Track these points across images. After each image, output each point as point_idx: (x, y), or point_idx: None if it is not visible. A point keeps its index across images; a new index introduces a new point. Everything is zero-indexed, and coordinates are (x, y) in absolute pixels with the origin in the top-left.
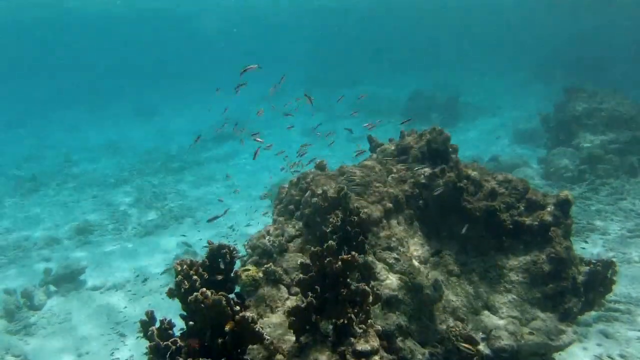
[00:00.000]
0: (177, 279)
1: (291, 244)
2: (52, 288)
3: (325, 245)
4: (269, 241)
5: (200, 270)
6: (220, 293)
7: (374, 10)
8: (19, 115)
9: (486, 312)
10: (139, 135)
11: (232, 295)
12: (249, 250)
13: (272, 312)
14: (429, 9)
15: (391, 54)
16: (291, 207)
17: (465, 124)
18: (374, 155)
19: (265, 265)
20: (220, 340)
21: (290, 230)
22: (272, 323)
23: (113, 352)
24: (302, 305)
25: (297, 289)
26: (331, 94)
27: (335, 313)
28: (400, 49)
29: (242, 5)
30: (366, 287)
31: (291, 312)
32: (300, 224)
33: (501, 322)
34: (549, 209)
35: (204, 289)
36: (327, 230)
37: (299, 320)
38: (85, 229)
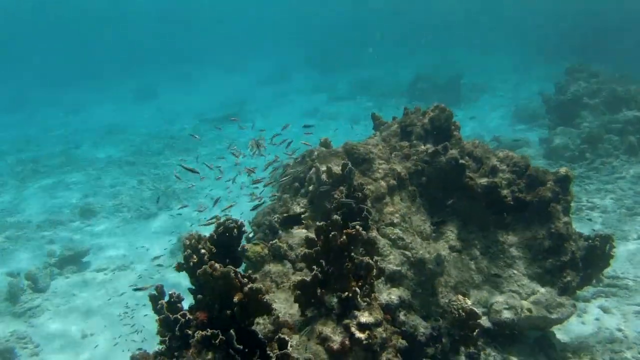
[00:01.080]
0: (185, 252)
1: None
2: (56, 270)
3: (330, 219)
4: (274, 218)
5: (208, 244)
6: (227, 266)
7: None
8: (18, 97)
9: (487, 287)
10: (140, 117)
11: (240, 269)
12: (254, 227)
13: (278, 287)
14: None
15: (394, 35)
16: (296, 184)
17: (467, 104)
18: (378, 133)
19: (271, 242)
20: (228, 312)
21: (295, 207)
22: (278, 298)
23: (119, 335)
24: (307, 279)
25: (302, 265)
26: (332, 75)
27: (339, 286)
28: (402, 30)
29: None
30: (370, 261)
31: (296, 286)
32: (305, 200)
33: (501, 297)
34: (548, 185)
35: (213, 262)
36: (332, 207)
37: (304, 294)
38: (88, 210)
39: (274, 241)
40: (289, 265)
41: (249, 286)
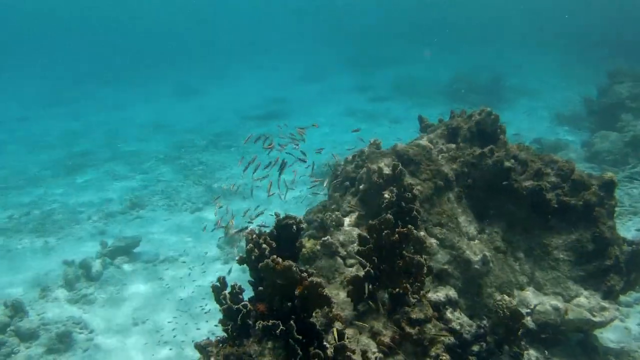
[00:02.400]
0: (247, 247)
1: (347, 219)
2: (108, 260)
3: (383, 218)
4: (326, 216)
5: (269, 239)
6: (287, 260)
7: None
8: (64, 92)
9: (531, 288)
10: (183, 114)
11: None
12: (305, 224)
13: (329, 282)
14: None
15: (432, 35)
16: (347, 183)
17: (507, 105)
18: (425, 135)
19: (323, 238)
20: (289, 304)
21: (346, 205)
22: (330, 293)
23: (169, 321)
24: (360, 275)
25: (352, 261)
26: (372, 74)
27: (391, 283)
28: (441, 30)
29: None
30: (421, 259)
31: (350, 282)
32: (356, 199)
33: (545, 298)
34: (593, 189)
35: (275, 256)
36: (382, 206)
37: (356, 289)
38: (137, 204)
39: (325, 238)
40: (340, 261)
41: (309, 279)
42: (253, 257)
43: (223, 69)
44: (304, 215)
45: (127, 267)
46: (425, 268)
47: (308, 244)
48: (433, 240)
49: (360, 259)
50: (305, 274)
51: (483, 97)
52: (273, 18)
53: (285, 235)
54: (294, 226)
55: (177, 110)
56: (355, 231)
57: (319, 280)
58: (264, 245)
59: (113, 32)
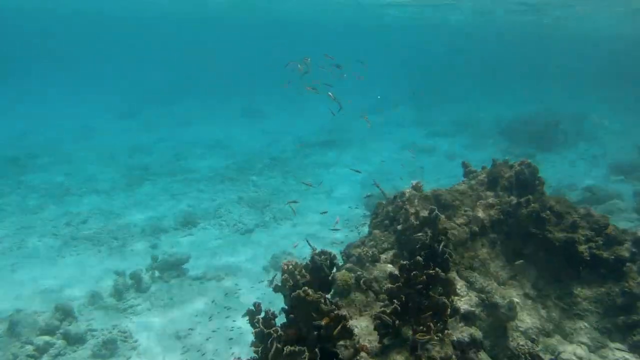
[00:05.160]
0: (283, 276)
1: (383, 255)
2: (157, 274)
3: (413, 260)
4: (363, 251)
5: (303, 271)
6: (318, 292)
7: (480, 28)
8: (134, 106)
9: (557, 336)
10: (245, 136)
11: (328, 296)
12: (344, 258)
13: (360, 314)
14: (538, 34)
15: (496, 75)
16: (386, 222)
17: (562, 150)
18: (466, 181)
19: (358, 272)
20: (315, 333)
21: (384, 243)
22: (360, 324)
23: (208, 339)
24: (388, 311)
25: (384, 297)
26: (431, 111)
27: (416, 320)
28: (505, 71)
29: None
30: (446, 300)
31: (377, 316)
32: (393, 238)
33: (570, 347)
34: (626, 245)
35: (306, 288)
36: (417, 246)
37: (383, 324)
38: (190, 221)
39: (360, 272)
40: (372, 295)
41: (335, 312)
42: (287, 286)
43: (293, 95)
44: (345, 249)
45: (174, 281)
46: (449, 309)
47: (344, 276)
48: (463, 283)
49: (389, 295)
50: (334, 306)
51: (540, 140)
52: (345, 51)
53: (319, 268)
54: (328, 260)
55: (240, 131)
56: (390, 268)
57: (344, 313)
58: (298, 277)
59: (193, 51)
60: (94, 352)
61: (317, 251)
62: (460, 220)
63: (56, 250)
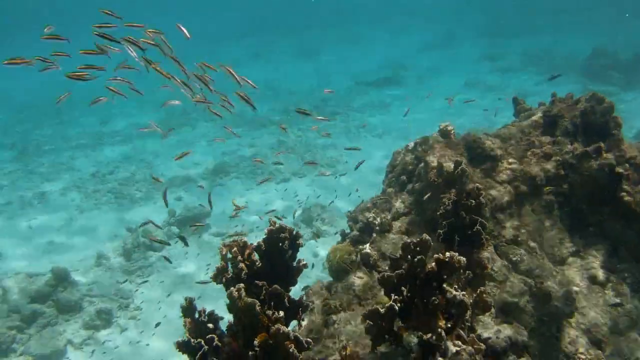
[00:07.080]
0: (218, 265)
1: (397, 223)
2: (175, 229)
3: (420, 238)
4: (372, 216)
5: (254, 256)
6: (274, 287)
7: None
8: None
9: (634, 335)
10: (297, 76)
11: (292, 290)
12: (350, 223)
13: (360, 304)
14: None
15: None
16: (403, 177)
17: None
18: (516, 122)
19: (360, 247)
20: (250, 353)
21: (399, 205)
22: (357, 318)
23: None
24: (382, 311)
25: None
26: (502, 43)
27: (422, 324)
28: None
29: None
30: (465, 299)
31: (367, 316)
32: (411, 199)
33: None
34: None
35: (241, 286)
36: (438, 213)
37: (376, 326)
38: (221, 169)
39: (363, 247)
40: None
41: (275, 327)
42: (224, 279)
43: (352, 33)
44: (351, 212)
45: (193, 239)
46: (469, 312)
47: (346, 249)
48: (503, 263)
49: (385, 288)
50: (273, 317)
51: (626, 75)
52: None
53: (277, 251)
54: (287, 241)
55: (293, 71)
56: (404, 240)
57: (286, 330)
58: (241, 265)
59: None
60: (86, 322)
61: (274, 227)
62: (501, 177)
63: (76, 205)
